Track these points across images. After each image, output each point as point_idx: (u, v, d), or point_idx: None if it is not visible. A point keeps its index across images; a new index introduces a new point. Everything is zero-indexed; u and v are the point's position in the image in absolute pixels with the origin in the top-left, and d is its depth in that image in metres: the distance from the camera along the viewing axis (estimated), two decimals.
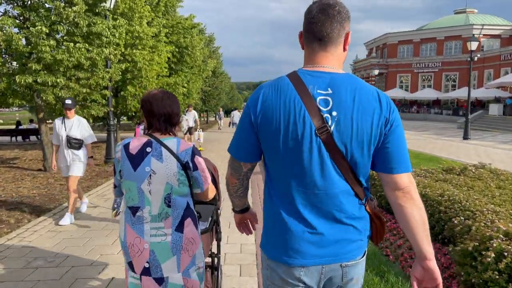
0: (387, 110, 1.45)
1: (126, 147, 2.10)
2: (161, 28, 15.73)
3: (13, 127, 22.12)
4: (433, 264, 1.44)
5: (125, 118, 18.24)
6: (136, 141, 2.10)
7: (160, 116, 2.11)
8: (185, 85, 16.64)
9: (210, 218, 2.72)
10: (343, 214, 1.48)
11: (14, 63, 9.39)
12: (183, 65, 18.79)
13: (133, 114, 15.56)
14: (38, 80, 8.81)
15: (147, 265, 2.08)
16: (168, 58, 17.54)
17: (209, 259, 2.93)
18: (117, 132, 15.75)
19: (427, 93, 44.42)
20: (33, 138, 20.71)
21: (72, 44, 8.86)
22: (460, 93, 39.42)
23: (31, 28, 8.45)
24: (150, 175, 2.04)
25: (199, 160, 2.15)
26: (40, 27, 8.44)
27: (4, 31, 8.54)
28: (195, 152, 2.13)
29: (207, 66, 21.13)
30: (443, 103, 45.21)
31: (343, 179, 1.46)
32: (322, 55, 1.51)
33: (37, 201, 6.75)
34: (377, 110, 1.43)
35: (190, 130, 15.13)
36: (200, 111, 35.85)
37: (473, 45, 17.82)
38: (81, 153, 5.50)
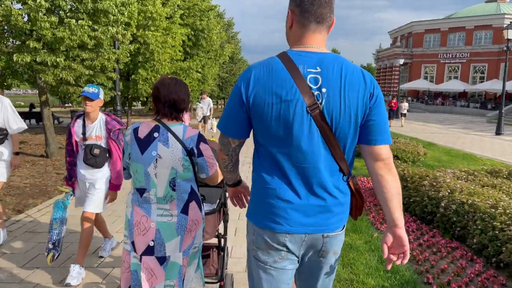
0: (371, 85, 1.52)
1: (135, 131, 2.17)
2: (176, 9, 14.92)
3: (27, 109, 21.78)
4: (402, 232, 1.52)
5: (139, 103, 17.58)
6: (145, 126, 2.17)
7: (166, 102, 2.15)
8: (200, 70, 15.80)
9: (217, 200, 2.83)
10: (329, 187, 1.55)
11: (13, 41, 8.73)
12: (198, 49, 17.99)
13: (146, 99, 14.88)
14: (37, 59, 8.12)
15: (151, 244, 2.15)
16: (183, 41, 16.75)
17: (215, 240, 3.02)
18: (128, 118, 15.14)
19: (453, 85, 42.53)
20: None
21: (73, 21, 8.11)
22: (489, 86, 37.53)
23: (29, 1, 7.72)
24: (156, 159, 2.12)
25: (205, 147, 2.21)
26: (39, 1, 7.72)
27: (3, 6, 7.86)
28: (200, 139, 2.20)
29: (225, 51, 20.24)
30: (470, 95, 43.29)
31: (331, 154, 1.53)
32: (315, 36, 1.56)
33: (26, 193, 6.09)
34: (362, 85, 1.50)
35: (205, 119, 14.38)
36: (217, 98, 35.05)
37: (510, 34, 16.38)
38: (5, 149, 3.90)
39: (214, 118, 14.32)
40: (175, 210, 2.17)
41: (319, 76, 1.48)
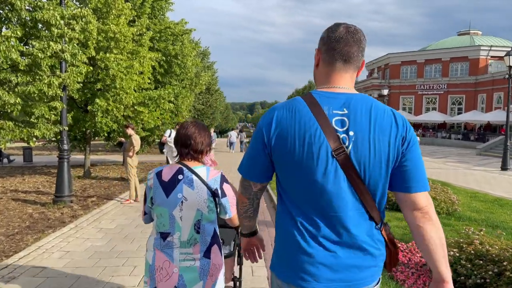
0: (403, 128, 1.43)
1: (159, 174, 2.18)
2: (145, 30, 12.89)
3: None
4: (450, 286, 1.43)
5: (102, 138, 15.10)
6: (168, 169, 2.19)
7: (184, 144, 2.21)
8: (173, 100, 13.62)
9: (232, 242, 2.80)
10: (359, 238, 1.42)
11: None
12: (171, 77, 15.88)
13: (107, 134, 12.51)
14: None
15: None
16: (153, 67, 14.63)
17: (231, 283, 3.04)
18: (85, 156, 12.68)
19: (432, 116, 41.97)
20: None
21: None
22: (470, 117, 37.06)
23: None
24: (182, 202, 2.13)
25: (227, 187, 2.24)
26: None
27: None
28: (223, 179, 2.24)
29: (201, 80, 18.22)
30: (450, 126, 42.77)
31: (359, 202, 1.43)
32: (341, 75, 1.50)
33: None
34: (393, 129, 1.42)
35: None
36: None
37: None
38: None
39: None
40: (198, 254, 2.15)
41: (345, 118, 1.41)
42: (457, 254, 3.90)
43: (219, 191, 2.18)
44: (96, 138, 15.38)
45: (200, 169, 2.20)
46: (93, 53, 10.74)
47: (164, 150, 11.52)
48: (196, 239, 2.16)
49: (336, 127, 1.40)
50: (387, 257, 1.55)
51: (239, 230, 2.78)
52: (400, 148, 1.42)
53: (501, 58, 42.84)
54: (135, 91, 12.59)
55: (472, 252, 3.87)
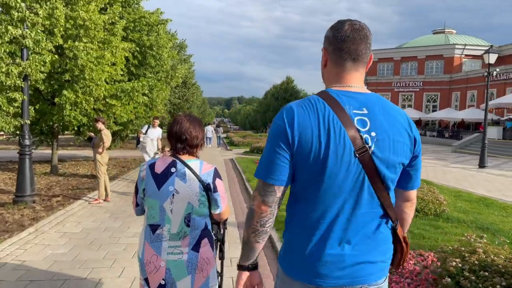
0: (415, 130, 1.49)
1: (152, 166, 2.18)
2: (117, 18, 12.15)
3: None
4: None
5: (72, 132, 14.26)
6: (162, 161, 2.19)
7: (179, 138, 2.20)
8: (147, 93, 12.94)
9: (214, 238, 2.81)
10: (370, 236, 1.45)
11: None
12: (146, 69, 15.17)
13: (78, 128, 11.74)
14: None
15: (162, 282, 2.13)
16: (127, 58, 13.91)
17: None
18: (52, 151, 11.90)
19: (408, 113, 41.51)
20: None
21: None
22: (444, 114, 37.60)
23: None
24: (173, 195, 2.13)
25: (219, 182, 2.24)
26: None
27: None
28: (216, 174, 2.23)
29: (177, 73, 17.55)
30: (425, 124, 43.40)
31: (378, 200, 1.45)
32: (353, 74, 1.50)
33: None
34: (408, 130, 1.46)
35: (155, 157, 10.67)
36: (167, 126, 32.00)
37: (492, 58, 15.16)
38: None
39: (164, 152, 11.02)
40: (186, 247, 2.14)
41: (366, 119, 1.42)
42: (460, 265, 3.56)
43: (211, 186, 2.18)
44: (66, 132, 14.57)
45: (193, 162, 2.20)
46: (61, 41, 9.98)
47: (138, 146, 10.80)
48: (186, 232, 2.14)
49: (358, 127, 1.40)
50: (398, 254, 1.58)
51: (224, 230, 2.68)
52: (413, 150, 1.47)
53: (475, 57, 43.81)
54: (107, 83, 11.87)
55: (476, 262, 3.53)
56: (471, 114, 33.88)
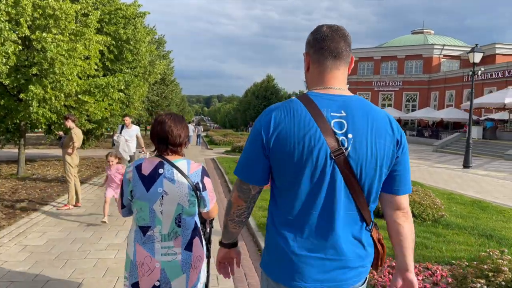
0: (398, 132, 1.48)
1: (138, 168, 2.12)
2: (91, 9, 11.35)
3: None
4: (412, 276, 1.52)
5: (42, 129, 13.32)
6: (148, 162, 2.14)
7: (162, 138, 2.14)
8: (124, 89, 12.17)
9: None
10: (348, 239, 1.46)
11: None
12: (122, 64, 14.37)
13: (48, 127, 10.88)
14: None
15: (157, 284, 2.09)
16: (102, 53, 13.12)
17: None
18: (19, 151, 11.01)
19: (388, 113, 42.54)
20: None
21: None
22: (424, 114, 37.88)
23: None
24: (162, 196, 2.09)
25: (208, 180, 2.22)
26: None
27: None
28: (204, 172, 2.20)
29: (155, 69, 16.77)
30: (404, 123, 43.70)
31: (354, 203, 1.45)
32: (334, 74, 1.52)
33: None
34: (389, 132, 1.46)
35: (131, 159, 9.38)
36: (146, 124, 30.98)
37: (477, 57, 15.01)
38: None
39: (147, 153, 9.78)
40: (179, 247, 2.13)
41: (344, 121, 1.43)
42: (485, 287, 3.09)
43: (200, 185, 2.16)
44: (36, 130, 13.64)
45: (180, 162, 2.16)
46: (27, 32, 9.18)
47: (113, 147, 10.01)
48: (178, 232, 2.13)
49: (335, 129, 1.41)
50: (375, 257, 1.58)
51: (210, 229, 2.73)
52: (395, 152, 1.47)
53: (453, 57, 44.36)
54: (80, 78, 11.09)
55: (503, 283, 3.08)
56: (450, 113, 34.20)
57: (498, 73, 33.15)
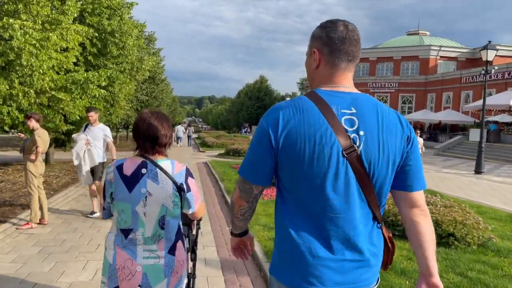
0: (407, 128, 1.45)
1: (120, 168, 2.03)
2: None
3: None
4: (437, 280, 1.42)
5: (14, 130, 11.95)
6: (130, 162, 2.04)
7: (146, 138, 2.05)
8: (105, 85, 10.86)
9: (186, 238, 2.60)
10: (366, 238, 1.42)
11: None
12: (107, 59, 13.07)
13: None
14: None
15: None
16: (84, 46, 11.82)
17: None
18: None
19: None
20: None
21: None
22: (421, 116, 37.07)
23: None
24: (146, 197, 2.01)
25: (192, 181, 2.15)
26: None
27: None
28: (188, 173, 2.13)
29: (144, 65, 15.46)
30: None
31: (366, 202, 1.42)
32: (346, 75, 1.49)
33: None
34: (399, 129, 1.43)
35: (96, 173, 6.56)
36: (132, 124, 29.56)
37: (490, 55, 13.99)
38: None
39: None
40: (163, 251, 2.04)
41: (354, 118, 1.40)
42: None
43: (184, 186, 2.07)
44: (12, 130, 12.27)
45: (164, 162, 2.06)
46: None
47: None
48: (161, 235, 2.04)
49: (346, 127, 1.38)
50: (384, 255, 1.54)
51: (197, 230, 2.86)
52: (406, 148, 1.43)
53: (450, 58, 43.62)
54: (58, 73, 9.81)
55: None
56: (449, 115, 33.40)
57: (497, 75, 32.38)
